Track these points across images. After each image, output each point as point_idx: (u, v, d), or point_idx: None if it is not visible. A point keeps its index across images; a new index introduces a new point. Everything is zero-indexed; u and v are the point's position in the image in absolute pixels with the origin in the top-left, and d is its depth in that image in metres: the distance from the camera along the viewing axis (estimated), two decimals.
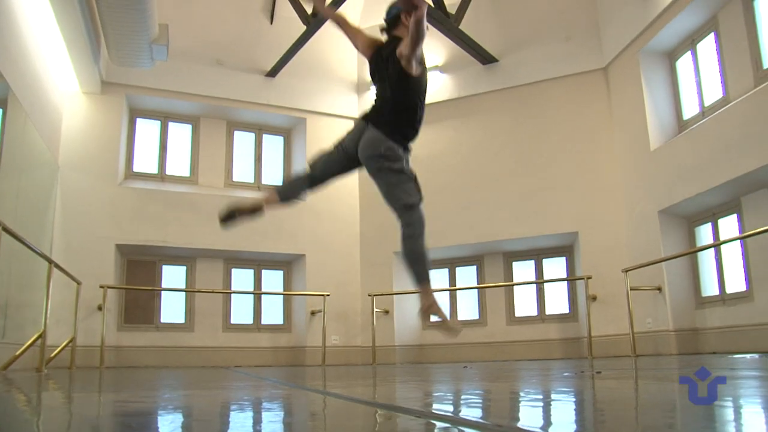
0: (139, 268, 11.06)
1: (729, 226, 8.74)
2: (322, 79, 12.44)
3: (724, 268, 8.76)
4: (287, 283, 12.08)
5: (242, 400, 2.72)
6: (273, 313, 11.90)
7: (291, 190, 4.29)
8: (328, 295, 11.11)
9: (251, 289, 11.74)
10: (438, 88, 11.95)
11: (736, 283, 8.53)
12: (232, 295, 11.59)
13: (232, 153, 12.08)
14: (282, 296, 11.97)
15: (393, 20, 4.00)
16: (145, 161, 11.47)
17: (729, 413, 1.57)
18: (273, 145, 12.51)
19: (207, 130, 11.88)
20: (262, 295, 11.81)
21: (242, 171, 12.12)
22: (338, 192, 12.15)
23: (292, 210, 11.80)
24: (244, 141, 12.27)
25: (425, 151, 11.82)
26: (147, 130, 11.61)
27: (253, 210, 4.12)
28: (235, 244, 11.22)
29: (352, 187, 12.15)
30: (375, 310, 11.18)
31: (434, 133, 11.82)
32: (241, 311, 11.65)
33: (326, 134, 12.36)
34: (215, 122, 11.97)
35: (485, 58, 11.36)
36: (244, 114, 12.00)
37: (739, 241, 8.18)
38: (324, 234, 11.82)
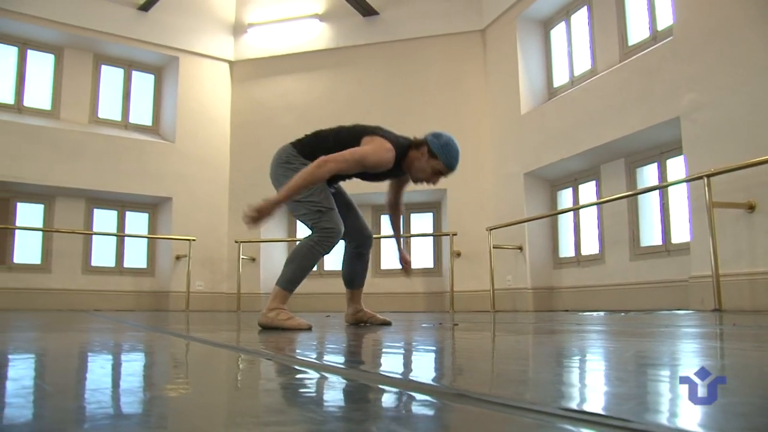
0: None
1: (588, 191, 9.21)
2: (198, 18, 11.99)
3: (580, 232, 9.24)
4: (152, 226, 11.73)
5: (100, 343, 2.62)
6: (136, 256, 11.55)
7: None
8: (194, 239, 10.89)
9: (114, 231, 11.32)
10: (316, 36, 11.81)
11: (590, 246, 9.03)
12: (94, 236, 11.13)
13: (98, 88, 11.50)
14: (146, 240, 11.62)
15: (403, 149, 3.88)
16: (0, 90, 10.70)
17: (575, 362, 1.66)
18: (143, 83, 12.01)
19: (71, 62, 11.21)
20: (126, 238, 11.41)
21: (108, 108, 11.58)
22: (208, 135, 11.87)
23: (158, 151, 11.43)
24: (111, 77, 11.68)
25: (299, 100, 11.71)
26: (1, 56, 10.79)
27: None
28: (98, 184, 10.77)
29: (223, 129, 11.89)
30: (241, 257, 11.08)
31: (309, 82, 11.71)
32: (102, 253, 11.24)
33: (199, 75, 11.98)
34: (81, 54, 11.30)
35: (366, 9, 11.30)
36: (113, 48, 11.40)
37: (595, 206, 8.66)
38: (192, 177, 11.53)
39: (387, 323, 4.07)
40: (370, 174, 3.85)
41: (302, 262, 3.68)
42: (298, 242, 3.77)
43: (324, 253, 3.70)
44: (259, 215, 3.49)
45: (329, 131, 3.95)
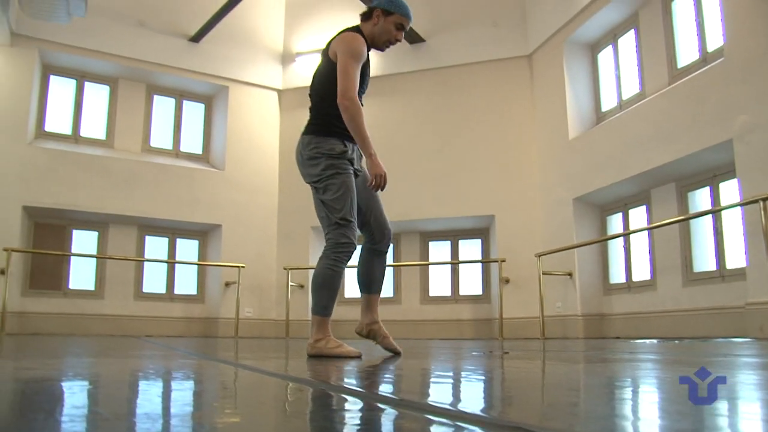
0: (47, 231, 10.65)
1: (638, 216, 9.06)
2: (247, 48, 12.21)
3: (631, 257, 9.08)
4: (202, 253, 11.88)
5: (151, 369, 2.66)
6: (186, 282, 11.70)
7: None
8: (243, 266, 11.00)
9: (165, 258, 11.50)
10: None
11: (641, 272, 8.86)
12: (145, 263, 11.32)
13: (150, 118, 11.75)
14: (196, 266, 11.77)
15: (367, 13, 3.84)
16: (58, 121, 11.02)
17: (629, 393, 1.62)
18: (193, 112, 12.24)
19: (125, 93, 11.50)
20: (176, 265, 11.58)
21: (160, 137, 11.82)
22: (257, 163, 12.03)
23: (208, 179, 11.62)
24: (163, 106, 11.94)
25: None
26: (61, 88, 11.14)
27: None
28: (150, 212, 10.97)
29: (271, 157, 12.04)
30: (290, 283, 11.13)
31: None
32: (153, 280, 11.41)
33: (249, 104, 12.18)
34: (134, 85, 11.59)
35: (412, 37, 11.35)
36: (165, 78, 11.67)
37: (646, 231, 8.51)
38: (241, 205, 11.67)
39: (398, 353, 3.65)
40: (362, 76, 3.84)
41: (329, 285, 3.54)
42: (316, 266, 3.60)
43: (344, 267, 3.58)
44: (382, 175, 3.62)
45: (311, 91, 4.02)
